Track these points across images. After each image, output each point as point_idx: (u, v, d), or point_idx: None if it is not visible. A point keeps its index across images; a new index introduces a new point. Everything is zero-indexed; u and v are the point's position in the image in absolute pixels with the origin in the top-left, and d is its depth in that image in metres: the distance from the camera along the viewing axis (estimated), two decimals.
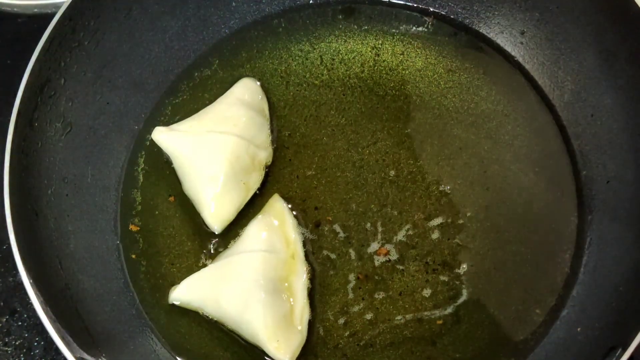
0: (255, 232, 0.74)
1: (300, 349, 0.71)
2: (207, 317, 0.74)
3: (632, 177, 0.74)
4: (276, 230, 0.75)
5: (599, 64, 0.77)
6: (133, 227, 0.78)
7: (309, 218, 0.78)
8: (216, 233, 0.76)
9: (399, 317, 0.73)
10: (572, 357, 0.69)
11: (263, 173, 0.79)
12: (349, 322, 0.73)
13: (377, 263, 0.75)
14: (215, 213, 0.76)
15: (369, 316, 0.73)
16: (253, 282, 0.70)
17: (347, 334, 0.73)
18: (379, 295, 0.74)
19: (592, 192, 0.77)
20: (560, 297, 0.74)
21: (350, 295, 0.74)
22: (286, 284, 0.73)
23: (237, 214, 0.77)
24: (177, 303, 0.74)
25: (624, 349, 0.61)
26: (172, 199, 0.80)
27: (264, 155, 0.79)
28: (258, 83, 0.84)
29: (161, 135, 0.78)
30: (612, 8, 0.73)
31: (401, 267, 0.75)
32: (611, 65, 0.76)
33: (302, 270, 0.74)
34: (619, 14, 0.72)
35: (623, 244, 0.73)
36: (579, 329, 0.71)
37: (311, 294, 0.74)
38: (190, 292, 0.73)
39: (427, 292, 0.74)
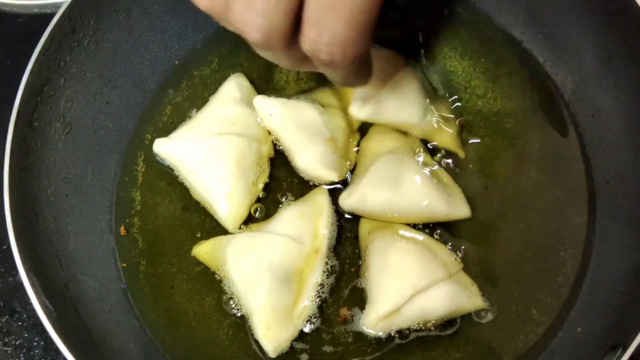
0: (289, 216, 0.74)
1: (288, 342, 0.71)
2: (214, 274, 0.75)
3: (632, 177, 0.74)
4: (308, 222, 0.74)
5: (599, 64, 0.77)
6: (122, 231, 0.78)
7: None
8: (234, 233, 0.76)
9: None
10: (572, 357, 0.69)
11: (268, 166, 0.79)
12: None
13: None
14: (229, 214, 0.76)
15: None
16: (268, 264, 0.71)
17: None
18: None
19: (592, 192, 0.77)
20: (561, 297, 0.74)
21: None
22: (299, 278, 0.72)
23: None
24: (197, 255, 0.76)
25: (624, 349, 0.61)
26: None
27: (266, 149, 0.79)
28: (245, 78, 0.83)
29: (162, 146, 0.78)
30: (612, 8, 0.73)
31: None
32: (611, 65, 0.76)
33: (319, 268, 0.73)
34: (619, 14, 0.72)
35: (623, 244, 0.73)
36: (579, 329, 0.71)
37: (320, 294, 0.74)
38: (214, 248, 0.74)
39: None
